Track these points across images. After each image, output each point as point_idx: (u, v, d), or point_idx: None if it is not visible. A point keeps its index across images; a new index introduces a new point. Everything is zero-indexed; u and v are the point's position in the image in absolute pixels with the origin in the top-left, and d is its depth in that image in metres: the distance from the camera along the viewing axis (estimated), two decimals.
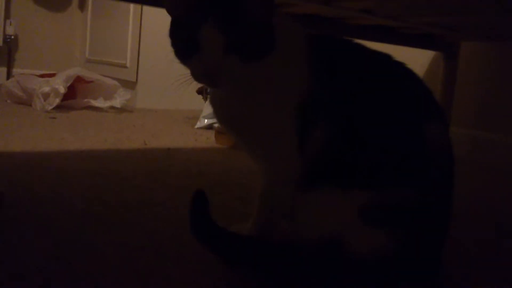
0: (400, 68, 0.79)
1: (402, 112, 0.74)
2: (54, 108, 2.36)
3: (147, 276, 0.72)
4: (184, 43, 0.71)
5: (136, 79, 3.02)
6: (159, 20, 2.87)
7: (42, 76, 2.65)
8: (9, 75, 3.36)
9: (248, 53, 0.70)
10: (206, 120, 2.34)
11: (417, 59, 2.23)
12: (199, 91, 2.52)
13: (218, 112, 0.82)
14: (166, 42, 2.51)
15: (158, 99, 3.01)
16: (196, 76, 0.71)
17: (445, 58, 1.97)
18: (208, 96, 2.41)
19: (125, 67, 3.09)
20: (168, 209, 1.04)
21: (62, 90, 2.36)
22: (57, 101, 2.36)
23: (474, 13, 1.44)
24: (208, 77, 0.70)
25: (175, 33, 0.74)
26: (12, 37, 3.37)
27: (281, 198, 0.79)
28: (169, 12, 0.75)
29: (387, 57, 0.79)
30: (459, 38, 1.97)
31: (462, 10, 1.42)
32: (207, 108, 2.36)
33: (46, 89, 2.36)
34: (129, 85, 3.02)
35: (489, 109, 2.05)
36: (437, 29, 1.73)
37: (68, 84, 2.42)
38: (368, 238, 0.70)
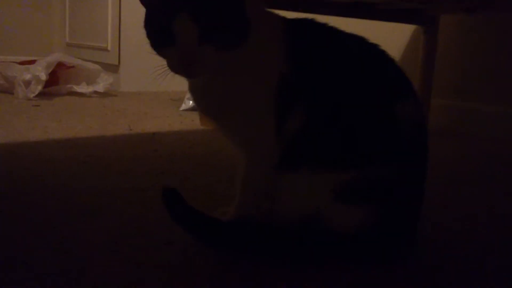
0: (373, 49, 0.80)
1: (375, 92, 0.76)
2: (36, 96, 2.34)
3: (135, 260, 0.73)
4: (158, 35, 0.72)
5: (119, 62, 3.00)
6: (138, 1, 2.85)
7: (22, 63, 2.62)
8: None
9: (223, 42, 0.70)
10: (191, 102, 2.33)
11: (397, 34, 2.24)
12: None
13: (197, 100, 0.83)
14: None
15: (141, 82, 3.00)
16: (173, 67, 0.72)
17: (425, 31, 1.98)
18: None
19: (107, 50, 3.06)
20: (152, 195, 1.05)
21: (43, 77, 2.34)
22: (39, 88, 2.34)
23: None
24: (184, 68, 0.71)
25: (149, 25, 0.74)
26: None
27: (261, 181, 0.81)
28: (142, 3, 0.76)
29: (361, 39, 0.80)
30: (438, 11, 1.98)
31: None
32: None
33: (28, 76, 2.34)
34: (112, 68, 3.00)
35: (469, 79, 2.08)
36: (416, 3, 1.74)
37: (50, 71, 2.40)
38: (346, 214, 0.73)
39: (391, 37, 2.22)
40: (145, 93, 2.88)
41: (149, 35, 0.74)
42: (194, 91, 0.82)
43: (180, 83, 2.72)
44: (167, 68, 0.73)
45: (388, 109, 0.75)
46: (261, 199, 0.83)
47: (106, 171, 1.23)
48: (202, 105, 0.83)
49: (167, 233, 0.84)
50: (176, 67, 0.72)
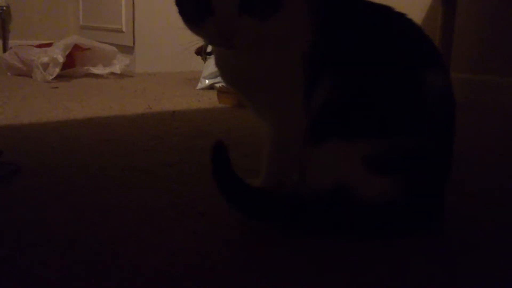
0: (401, 18, 0.80)
1: (403, 60, 0.75)
2: (54, 78, 2.36)
3: (169, 232, 0.75)
4: (196, 8, 0.72)
5: (133, 44, 3.00)
6: None
7: (39, 46, 2.64)
8: (5, 47, 3.34)
9: (262, 10, 0.71)
10: (207, 81, 2.34)
11: (415, 5, 2.21)
12: (198, 52, 2.51)
13: (224, 72, 0.84)
14: (161, 4, 2.52)
15: (157, 62, 3.00)
16: (212, 39, 0.73)
17: (443, 2, 1.95)
18: (207, 57, 2.41)
19: (121, 31, 3.06)
20: (179, 170, 1.07)
21: (61, 59, 2.36)
22: (57, 70, 2.36)
23: None
24: (225, 39, 0.71)
25: (183, 5, 0.75)
26: (4, 8, 3.32)
27: (289, 152, 0.81)
28: None
29: (387, 8, 0.80)
30: None
31: None
32: (207, 69, 2.36)
33: (45, 59, 2.36)
34: (127, 50, 3.01)
35: (488, 52, 2.05)
36: None
37: (67, 53, 2.41)
38: (373, 184, 0.73)
39: (408, 8, 2.18)
40: (160, 73, 2.89)
41: (184, 11, 0.75)
42: (221, 64, 0.83)
43: (195, 63, 2.71)
44: (199, 42, 0.74)
45: (416, 77, 0.74)
46: (289, 170, 0.84)
47: (131, 149, 1.25)
48: (229, 78, 0.84)
49: (198, 205, 0.85)
50: (216, 38, 0.72)
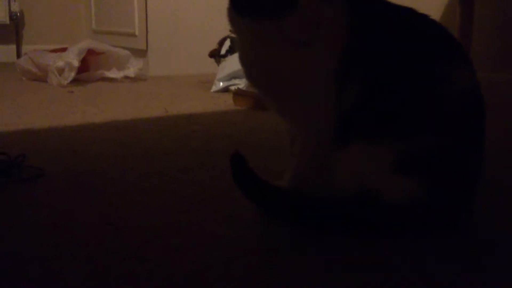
0: (426, 20, 0.80)
1: (431, 61, 0.75)
2: (70, 82, 2.37)
3: (195, 234, 0.75)
4: (275, 3, 0.71)
5: (146, 47, 3.01)
6: None
7: (54, 51, 2.65)
8: (19, 52, 3.36)
9: None
10: (221, 83, 2.33)
11: (432, 5, 2.19)
12: (212, 55, 2.51)
13: (250, 71, 0.82)
14: (174, 7, 2.54)
15: (170, 66, 3.00)
16: (295, 32, 0.72)
17: (461, 2, 1.94)
18: (221, 59, 2.40)
19: (134, 35, 3.07)
20: (201, 174, 1.07)
21: (76, 63, 2.36)
22: (72, 75, 2.37)
23: None
24: (306, 31, 0.71)
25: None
26: (18, 14, 3.35)
27: (319, 155, 0.81)
28: None
29: (412, 11, 0.80)
30: None
31: None
32: (222, 71, 2.36)
33: (60, 64, 2.37)
34: (140, 53, 3.01)
35: (508, 50, 2.03)
36: None
37: (81, 57, 2.42)
38: (401, 186, 0.73)
39: (427, 8, 2.17)
40: (174, 77, 2.89)
41: (252, 9, 0.73)
42: (247, 62, 0.82)
43: (208, 66, 2.72)
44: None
45: (444, 78, 0.74)
46: (317, 172, 0.83)
47: (150, 152, 1.25)
48: (257, 77, 0.82)
49: (223, 208, 0.85)
50: (298, 30, 0.71)
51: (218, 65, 2.44)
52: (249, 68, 0.82)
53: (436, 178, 0.74)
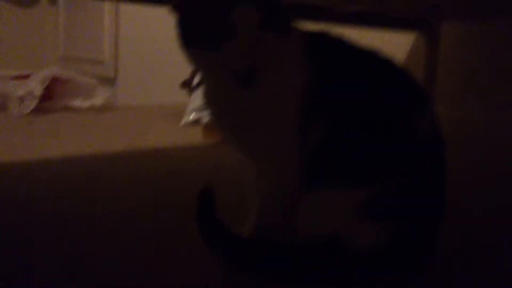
0: (389, 64, 0.80)
1: (394, 106, 0.75)
2: (31, 112, 2.28)
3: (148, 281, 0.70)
4: (212, 33, 0.68)
5: (115, 75, 2.94)
6: (137, 12, 2.81)
7: (16, 78, 2.56)
8: None
9: (280, 27, 0.71)
10: (192, 115, 2.27)
11: (399, 43, 2.25)
12: (183, 85, 2.46)
13: (216, 112, 0.80)
14: (146, 35, 2.46)
15: (139, 95, 2.94)
16: (232, 61, 0.69)
17: (426, 41, 1.98)
18: (193, 90, 2.35)
19: (103, 63, 3.00)
20: (161, 213, 1.01)
21: (38, 92, 2.29)
22: (34, 104, 2.28)
23: None
24: (246, 59, 0.69)
25: (194, 29, 0.71)
26: None
27: (284, 199, 0.79)
28: (179, 9, 0.73)
29: (376, 54, 0.80)
30: (439, 19, 1.98)
31: None
32: (193, 103, 2.30)
33: (22, 92, 2.28)
34: (108, 81, 2.94)
35: (471, 88, 2.07)
36: (418, 11, 1.73)
37: (45, 86, 2.34)
38: (365, 232, 0.72)
39: (393, 45, 2.24)
40: (143, 106, 2.82)
41: (193, 37, 0.71)
42: (213, 103, 0.80)
43: (179, 96, 2.66)
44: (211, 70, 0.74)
45: (407, 122, 0.74)
46: (281, 218, 0.81)
47: (110, 191, 1.17)
48: (221, 118, 0.80)
49: (183, 253, 0.81)
50: (236, 60, 0.69)
51: (190, 96, 2.39)
52: (216, 107, 0.80)
53: (400, 222, 0.73)
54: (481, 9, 1.82)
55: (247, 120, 0.76)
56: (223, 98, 0.77)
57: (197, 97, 2.28)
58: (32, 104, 2.27)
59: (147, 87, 2.97)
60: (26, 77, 2.50)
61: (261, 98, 0.74)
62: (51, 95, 2.46)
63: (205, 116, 2.21)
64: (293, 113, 0.74)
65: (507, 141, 1.93)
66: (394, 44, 2.22)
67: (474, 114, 2.04)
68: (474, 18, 1.94)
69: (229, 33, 0.68)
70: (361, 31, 1.86)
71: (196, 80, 2.39)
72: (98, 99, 2.53)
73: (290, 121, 0.74)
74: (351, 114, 0.74)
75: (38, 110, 2.33)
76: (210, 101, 0.80)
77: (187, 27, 0.72)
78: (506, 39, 1.99)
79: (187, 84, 2.43)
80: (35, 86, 2.28)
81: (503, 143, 1.92)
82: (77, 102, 2.48)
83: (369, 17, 1.82)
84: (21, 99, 2.29)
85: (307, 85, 0.74)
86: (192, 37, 0.71)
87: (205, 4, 0.70)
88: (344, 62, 0.78)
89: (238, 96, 0.74)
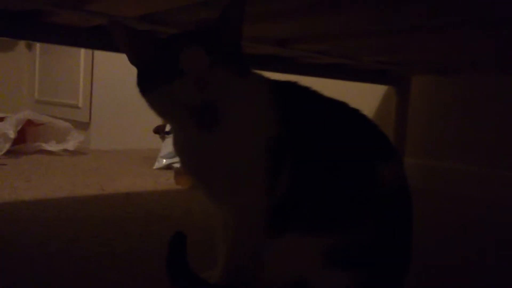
0: (356, 114, 0.81)
1: (359, 156, 0.76)
2: (3, 154, 2.27)
3: None
4: (162, 74, 0.71)
5: (90, 120, 2.96)
6: (112, 58, 2.85)
7: None
8: None
9: (232, 65, 0.72)
10: (164, 160, 2.30)
11: (370, 94, 2.30)
12: (156, 131, 2.49)
13: (184, 159, 0.81)
14: (120, 80, 2.53)
15: (113, 140, 2.96)
16: (185, 96, 0.70)
17: (397, 91, 2.04)
18: (165, 136, 2.39)
19: (77, 107, 3.03)
20: (130, 260, 1.01)
21: (12, 135, 2.29)
22: (7, 146, 2.28)
23: (423, 51, 1.50)
24: (197, 93, 0.70)
25: (146, 75, 0.74)
26: None
27: (251, 246, 0.78)
28: (134, 61, 0.75)
29: (343, 104, 0.81)
30: (409, 72, 2.04)
31: (411, 49, 1.48)
32: (165, 148, 2.34)
33: None
34: (82, 126, 2.96)
35: (441, 139, 2.12)
36: (389, 65, 1.79)
37: (18, 129, 2.35)
38: (332, 280, 0.72)
39: (364, 97, 2.28)
40: (116, 151, 2.84)
41: (146, 79, 0.74)
42: (180, 149, 0.81)
43: (152, 141, 2.69)
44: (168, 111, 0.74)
45: (373, 172, 0.74)
46: (249, 264, 0.80)
47: (80, 234, 1.17)
48: (189, 165, 0.81)
49: None
50: (186, 95, 0.70)
51: (163, 141, 2.42)
52: (183, 153, 0.81)
53: (367, 271, 0.73)
54: (444, 67, 1.90)
55: (212, 165, 0.76)
56: (188, 143, 0.78)
57: (169, 143, 2.32)
58: (5, 146, 2.27)
59: (121, 132, 2.99)
60: (0, 119, 2.51)
61: (225, 143, 0.75)
62: (24, 138, 2.47)
63: (177, 162, 2.25)
64: (258, 160, 0.75)
65: (476, 191, 1.97)
66: (365, 94, 2.27)
67: (444, 164, 2.09)
68: (442, 74, 1.99)
69: (177, 72, 0.70)
70: (332, 81, 1.92)
71: (168, 126, 2.43)
72: (72, 143, 2.54)
73: (256, 168, 0.75)
74: (316, 163, 0.74)
75: (10, 153, 2.33)
76: (178, 147, 0.81)
77: (141, 75, 0.75)
78: (475, 91, 2.05)
79: (159, 130, 2.47)
80: (9, 129, 2.29)
81: (472, 193, 1.97)
82: (50, 145, 2.49)
83: (340, 69, 1.85)
84: None
85: (273, 133, 0.75)
86: (145, 83, 0.74)
87: (154, 52, 0.73)
88: (310, 112, 0.79)
89: (202, 141, 0.76)
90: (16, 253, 1.01)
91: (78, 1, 1.04)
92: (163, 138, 2.44)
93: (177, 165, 2.22)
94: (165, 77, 0.71)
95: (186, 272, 0.75)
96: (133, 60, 0.76)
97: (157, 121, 2.47)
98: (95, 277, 0.91)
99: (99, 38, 1.33)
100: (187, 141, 0.79)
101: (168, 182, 1.98)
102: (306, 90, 0.82)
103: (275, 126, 0.75)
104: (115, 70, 2.92)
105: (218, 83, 0.71)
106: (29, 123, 2.46)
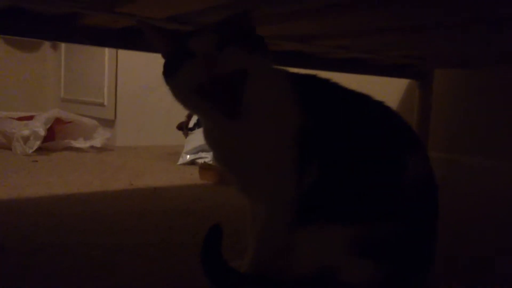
0: (380, 105, 0.83)
1: (384, 147, 0.78)
2: (34, 151, 2.35)
3: None
4: (178, 61, 0.76)
5: (115, 117, 3.03)
6: (135, 56, 2.91)
7: (20, 119, 2.64)
8: None
9: (246, 46, 0.75)
10: (188, 156, 2.35)
11: (393, 88, 2.30)
12: (179, 127, 2.54)
13: (214, 150, 0.84)
14: (144, 79, 2.59)
15: (138, 136, 3.02)
16: (196, 75, 0.73)
17: (420, 85, 2.05)
18: (188, 132, 2.43)
19: (103, 105, 3.09)
20: (162, 251, 1.05)
21: (42, 132, 2.36)
22: (38, 143, 2.36)
23: (444, 45, 1.52)
24: (206, 73, 0.73)
25: (167, 64, 0.80)
26: None
27: (280, 235, 0.80)
28: (162, 53, 0.82)
29: (366, 96, 0.83)
30: (432, 66, 2.04)
31: (432, 43, 1.50)
32: (189, 144, 2.39)
33: (26, 132, 2.36)
34: (107, 123, 3.03)
35: (464, 133, 2.12)
36: (410, 59, 1.80)
37: (48, 126, 2.42)
38: (358, 268, 0.73)
39: (386, 91, 2.29)
40: (141, 147, 2.90)
41: (167, 71, 0.79)
42: (209, 141, 0.84)
43: (176, 138, 2.74)
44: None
45: (398, 163, 0.76)
46: (277, 253, 0.83)
47: (114, 227, 1.23)
48: (219, 156, 0.84)
49: None
50: (197, 74, 0.73)
51: (186, 137, 2.47)
52: (214, 144, 0.84)
53: (392, 260, 0.74)
54: (467, 61, 1.90)
55: (240, 155, 0.79)
56: (215, 134, 0.82)
57: (193, 139, 2.37)
58: (36, 143, 2.35)
59: (145, 129, 3.05)
60: (30, 118, 2.59)
61: (251, 132, 0.78)
62: (54, 135, 2.54)
63: (200, 158, 2.30)
64: (288, 150, 0.77)
65: (499, 185, 1.97)
66: (387, 88, 2.28)
67: (467, 159, 2.08)
68: (465, 67, 1.99)
69: (189, 55, 0.75)
70: (353, 75, 1.93)
71: (192, 122, 2.48)
72: (99, 140, 2.61)
73: (283, 158, 0.77)
74: (343, 154, 0.76)
75: (41, 150, 2.40)
76: (206, 138, 0.84)
77: (165, 65, 0.80)
78: (499, 84, 2.04)
79: (183, 126, 2.52)
80: (39, 127, 2.36)
81: (496, 188, 1.96)
82: (78, 142, 2.56)
83: (362, 64, 1.87)
84: (26, 139, 2.36)
85: (299, 124, 0.77)
86: (167, 71, 0.79)
87: (173, 44, 0.79)
88: (335, 103, 0.80)
89: (229, 131, 0.79)
90: (58, 246, 1.06)
91: (111, 4, 1.09)
92: (186, 134, 2.49)
93: (201, 161, 2.26)
94: (179, 62, 0.76)
95: (220, 263, 0.78)
96: (161, 53, 0.82)
97: (181, 117, 2.53)
98: (133, 267, 0.95)
99: (126, 39, 1.38)
100: (214, 132, 0.82)
101: (192, 177, 2.02)
102: (328, 82, 0.84)
103: (302, 116, 0.78)
104: (139, 69, 2.98)
105: (229, 60, 0.73)
106: (58, 121, 2.53)
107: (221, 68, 0.73)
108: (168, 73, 0.78)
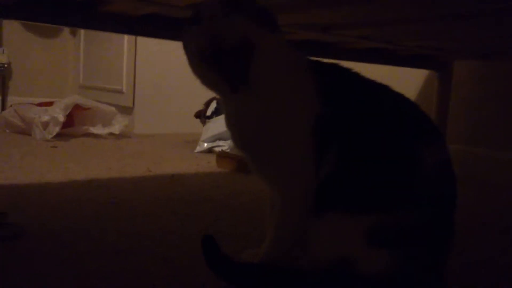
0: (399, 96, 0.82)
1: (402, 137, 0.77)
2: (54, 137, 2.38)
3: None
4: (188, 25, 0.82)
5: (133, 104, 3.05)
6: (154, 44, 2.92)
7: (39, 104, 2.68)
8: (4, 104, 3.37)
9: (255, 16, 0.78)
10: (206, 144, 2.36)
11: (412, 78, 2.28)
12: (197, 115, 2.56)
13: (235, 137, 0.85)
14: (162, 66, 2.61)
15: (155, 124, 3.04)
16: (202, 38, 0.78)
17: (439, 76, 2.02)
18: (206, 120, 2.44)
19: (121, 92, 3.11)
20: (180, 237, 1.06)
21: (61, 118, 2.39)
22: (57, 129, 2.38)
23: (465, 36, 1.50)
24: (210, 36, 0.77)
25: (181, 33, 0.85)
26: (6, 65, 3.38)
27: (297, 223, 0.81)
28: None
29: (385, 87, 0.83)
30: (452, 57, 2.02)
31: (453, 34, 1.48)
32: (206, 132, 2.40)
33: (46, 118, 2.38)
34: (126, 110, 3.05)
35: (483, 126, 2.10)
36: (430, 50, 1.78)
37: (67, 113, 2.45)
38: (375, 258, 0.73)
39: (405, 82, 2.26)
40: (159, 135, 2.91)
41: (180, 37, 0.84)
42: (228, 123, 0.85)
43: (194, 125, 2.75)
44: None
45: (417, 153, 0.75)
46: (294, 242, 0.84)
47: (132, 213, 1.24)
48: (239, 143, 0.85)
49: (199, 276, 0.85)
50: (202, 37, 0.78)
51: (203, 125, 2.48)
52: (234, 131, 0.84)
53: (410, 251, 0.74)
54: (488, 52, 1.87)
55: (263, 140, 0.79)
56: (232, 115, 0.83)
57: (211, 127, 2.38)
58: (55, 129, 2.38)
59: (163, 117, 3.07)
60: (49, 104, 2.62)
61: (266, 113, 0.79)
62: (73, 122, 2.57)
63: (217, 146, 2.31)
64: (306, 138, 0.77)
65: None
66: (405, 79, 2.25)
67: (485, 151, 2.07)
68: (486, 59, 1.96)
69: (197, 21, 0.80)
70: (372, 65, 1.91)
71: (209, 110, 2.49)
72: (117, 127, 2.63)
73: (304, 142, 0.77)
74: (361, 143, 0.76)
75: (60, 135, 2.43)
76: (230, 125, 0.84)
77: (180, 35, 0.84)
78: None
79: (201, 115, 2.53)
80: (59, 113, 2.39)
81: None
82: (97, 129, 2.58)
83: (381, 54, 1.86)
84: (45, 125, 2.39)
85: (318, 111, 0.77)
86: (180, 36, 0.83)
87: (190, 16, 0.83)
88: (354, 93, 0.80)
89: (254, 117, 0.79)
90: (77, 230, 1.08)
91: None
92: (203, 123, 2.50)
93: (219, 149, 2.27)
94: (189, 27, 0.81)
95: (221, 257, 0.79)
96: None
97: (199, 105, 2.54)
98: (151, 252, 0.97)
99: (146, 26, 1.38)
100: (230, 114, 0.83)
101: (209, 165, 2.04)
102: (349, 72, 0.84)
103: (321, 104, 0.78)
104: (158, 56, 3.00)
105: (233, 27, 0.76)
106: (77, 107, 2.56)
107: (225, 34, 0.75)
108: (182, 39, 0.83)
